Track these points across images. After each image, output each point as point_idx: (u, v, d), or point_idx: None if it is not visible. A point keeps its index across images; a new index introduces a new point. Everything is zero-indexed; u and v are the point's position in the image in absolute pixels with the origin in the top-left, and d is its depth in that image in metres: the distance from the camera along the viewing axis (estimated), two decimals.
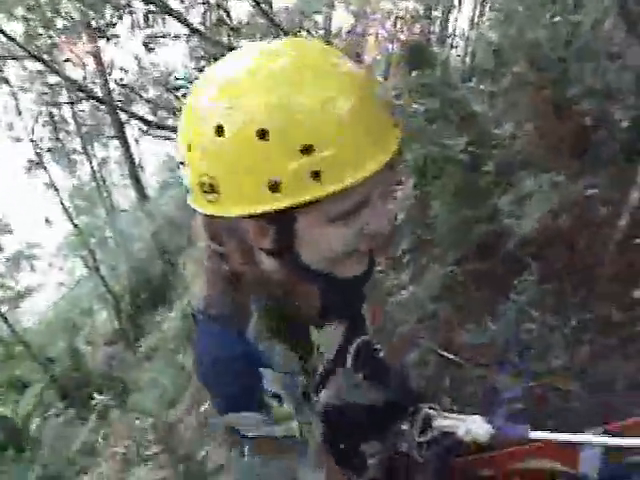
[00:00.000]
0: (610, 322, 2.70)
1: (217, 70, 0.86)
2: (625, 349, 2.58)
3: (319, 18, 8.10)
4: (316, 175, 0.76)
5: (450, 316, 3.22)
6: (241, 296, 0.93)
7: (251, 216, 0.81)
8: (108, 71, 12.21)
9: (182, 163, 0.86)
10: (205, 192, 0.83)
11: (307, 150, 0.75)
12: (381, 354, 1.06)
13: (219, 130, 0.78)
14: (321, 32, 7.94)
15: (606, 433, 0.99)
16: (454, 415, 1.06)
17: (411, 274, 3.60)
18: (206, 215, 0.87)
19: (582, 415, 2.38)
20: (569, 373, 2.58)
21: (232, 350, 0.90)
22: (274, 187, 0.77)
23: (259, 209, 0.79)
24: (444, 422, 1.04)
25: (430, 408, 1.06)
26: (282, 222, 0.82)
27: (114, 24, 8.40)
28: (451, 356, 2.97)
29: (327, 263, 0.88)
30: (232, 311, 0.92)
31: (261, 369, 0.89)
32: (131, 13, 8.44)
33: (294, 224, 0.82)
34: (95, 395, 7.54)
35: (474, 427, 1.00)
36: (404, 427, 1.06)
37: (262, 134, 0.75)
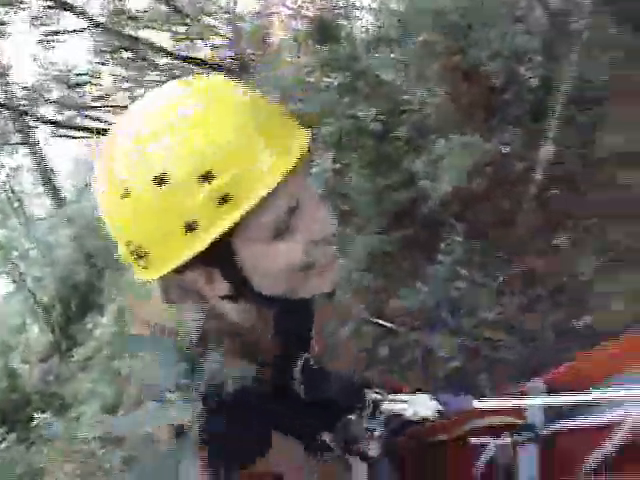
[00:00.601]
0: (536, 274, 2.80)
1: (111, 137, 0.82)
2: (552, 299, 2.68)
3: (222, 1, 7.94)
4: (225, 199, 0.73)
5: (381, 284, 3.25)
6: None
7: (188, 267, 0.78)
8: (6, 73, 11.57)
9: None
10: (136, 259, 0.80)
11: (206, 177, 0.72)
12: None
13: (125, 193, 0.75)
14: (225, 16, 7.79)
15: (546, 388, 1.00)
16: (399, 396, 1.05)
17: (337, 247, 3.60)
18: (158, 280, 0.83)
19: (515, 365, 2.47)
20: (499, 325, 2.66)
21: None
22: (191, 227, 0.74)
23: (185, 256, 0.76)
24: (391, 406, 1.04)
25: (376, 393, 1.05)
26: (222, 259, 0.79)
27: (3, 23, 7.95)
28: (387, 324, 3.00)
29: (288, 286, 0.84)
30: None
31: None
32: (25, 10, 7.99)
33: (235, 257, 0.79)
34: (35, 415, 7.24)
35: (421, 407, 1.00)
36: (351, 417, 1.05)
37: (161, 180, 0.73)
